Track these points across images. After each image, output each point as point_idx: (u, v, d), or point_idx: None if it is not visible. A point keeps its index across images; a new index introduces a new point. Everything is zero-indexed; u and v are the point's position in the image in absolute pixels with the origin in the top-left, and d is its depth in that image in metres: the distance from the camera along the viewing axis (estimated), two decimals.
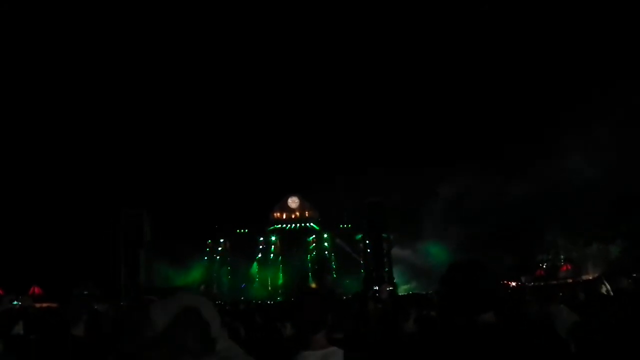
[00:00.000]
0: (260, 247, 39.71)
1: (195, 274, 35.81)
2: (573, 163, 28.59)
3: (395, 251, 36.45)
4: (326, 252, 39.48)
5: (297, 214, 39.93)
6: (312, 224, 39.70)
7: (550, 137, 29.94)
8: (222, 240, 39.29)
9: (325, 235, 39.46)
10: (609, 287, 8.68)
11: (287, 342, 4.73)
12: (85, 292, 23.54)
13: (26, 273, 27.66)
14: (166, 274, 32.98)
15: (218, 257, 39.05)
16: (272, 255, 39.58)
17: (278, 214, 39.97)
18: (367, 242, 36.90)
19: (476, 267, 2.48)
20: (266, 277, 39.17)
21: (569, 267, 31.86)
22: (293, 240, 39.45)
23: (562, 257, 33.73)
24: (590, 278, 23.85)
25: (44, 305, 18.37)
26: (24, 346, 4.21)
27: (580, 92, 28.96)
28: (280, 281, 38.79)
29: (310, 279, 37.40)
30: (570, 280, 25.65)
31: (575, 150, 28.84)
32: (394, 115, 37.18)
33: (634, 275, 15.07)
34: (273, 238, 39.74)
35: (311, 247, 40.10)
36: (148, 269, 34.36)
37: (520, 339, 2.32)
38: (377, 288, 27.75)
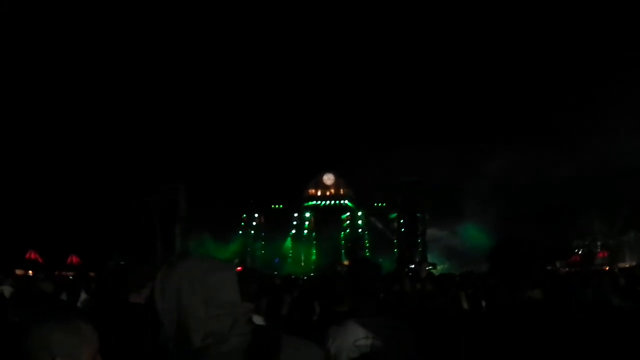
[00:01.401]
0: (295, 223, 39.91)
1: (231, 248, 36.14)
2: (615, 146, 27.93)
3: (430, 231, 36.28)
4: (360, 230, 39.51)
5: (332, 191, 39.95)
6: (346, 201, 39.71)
7: (596, 114, 29.13)
8: (256, 215, 39.54)
9: (360, 213, 39.44)
10: None
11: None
12: (122, 263, 23.93)
13: (65, 244, 28.23)
14: (203, 248, 33.31)
15: (252, 232, 39.33)
16: (305, 231, 39.78)
17: (313, 191, 40.04)
18: (401, 221, 36.76)
19: (526, 244, 2.50)
20: (299, 253, 39.41)
21: (605, 254, 31.41)
22: (327, 217, 39.55)
23: (598, 243, 33.25)
24: (627, 266, 23.50)
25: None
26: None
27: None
28: (314, 257, 39.00)
29: (344, 256, 37.47)
30: (607, 268, 25.29)
31: (619, 132, 28.16)
32: (430, 91, 36.66)
33: None
34: (307, 214, 39.88)
35: (345, 224, 40.17)
36: (183, 243, 34.73)
37: (568, 315, 2.34)
38: (412, 266, 27.75)
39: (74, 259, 27.80)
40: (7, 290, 5.90)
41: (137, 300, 3.97)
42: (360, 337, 2.79)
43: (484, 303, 6.48)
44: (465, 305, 6.05)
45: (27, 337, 1.97)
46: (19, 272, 19.78)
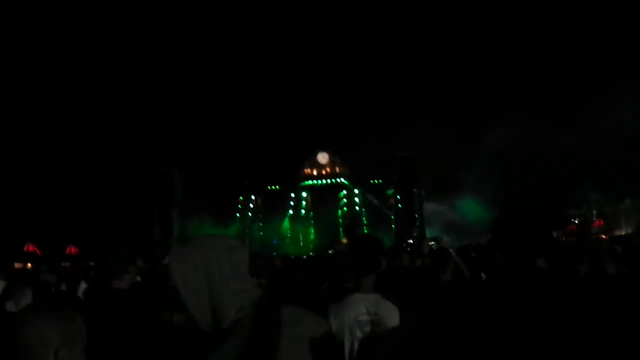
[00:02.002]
0: (291, 203, 39.94)
1: (229, 231, 36.18)
2: (610, 115, 27.91)
3: (429, 206, 36.34)
4: (357, 208, 39.54)
5: (328, 169, 39.91)
6: (342, 179, 39.71)
7: (592, 84, 29.08)
8: (253, 197, 39.56)
9: (356, 191, 39.45)
10: None
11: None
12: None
13: (62, 235, 28.24)
14: (200, 231, 33.34)
15: (250, 214, 39.38)
16: (303, 211, 39.83)
17: (308, 170, 40.00)
18: (398, 197, 36.79)
19: (529, 214, 2.51)
20: (297, 233, 39.51)
21: (602, 223, 31.54)
22: (323, 196, 39.54)
23: (594, 212, 33.38)
24: (623, 234, 23.59)
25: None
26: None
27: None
28: (312, 237, 39.12)
29: (342, 234, 37.56)
30: (603, 236, 25.35)
31: (614, 101, 28.10)
32: (426, 65, 36.51)
33: None
34: (304, 194, 39.90)
35: (342, 202, 40.20)
36: (181, 227, 34.79)
37: (574, 283, 2.36)
38: (410, 242, 27.83)
39: (72, 250, 27.83)
40: (1, 284, 5.88)
41: (120, 285, 3.97)
42: (362, 312, 2.80)
43: (483, 275, 6.50)
44: (467, 275, 6.06)
45: (26, 330, 1.93)
46: (17, 265, 19.82)
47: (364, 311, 2.81)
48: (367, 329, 2.80)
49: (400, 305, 2.90)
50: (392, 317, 2.82)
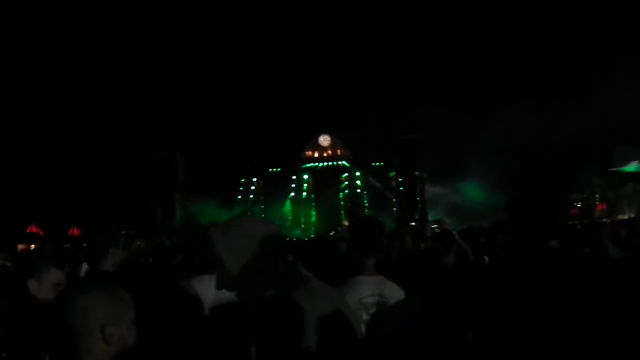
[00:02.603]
0: (293, 185, 39.96)
1: (232, 213, 36.17)
2: (614, 99, 27.79)
3: (432, 189, 36.35)
4: (358, 191, 39.57)
5: (329, 152, 39.90)
6: (344, 162, 39.70)
7: (598, 68, 28.93)
8: (255, 179, 39.57)
9: (358, 174, 39.46)
10: None
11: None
12: (124, 232, 23.97)
13: (65, 216, 28.30)
14: (203, 213, 33.40)
15: (251, 196, 39.41)
16: (304, 193, 39.86)
17: (310, 153, 39.99)
18: (400, 179, 36.80)
19: (540, 197, 2.54)
20: (299, 215, 39.57)
21: (605, 207, 31.53)
22: (325, 179, 39.59)
23: (597, 196, 33.36)
24: (626, 217, 23.59)
25: None
26: None
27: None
28: (313, 219, 39.20)
29: (343, 217, 37.61)
30: (605, 220, 25.34)
31: (618, 84, 27.98)
32: (430, 47, 36.28)
33: None
34: (305, 177, 39.92)
35: (343, 185, 40.22)
36: (183, 210, 34.90)
37: (584, 262, 2.38)
38: (412, 224, 27.85)
39: (75, 231, 27.88)
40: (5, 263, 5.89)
41: (105, 267, 3.94)
42: (365, 295, 2.79)
43: (486, 258, 6.50)
44: (471, 258, 6.06)
45: (71, 307, 1.91)
46: (21, 246, 19.89)
47: (369, 293, 2.80)
48: (372, 311, 2.79)
49: (404, 287, 2.90)
50: (396, 298, 2.82)
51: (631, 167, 27.24)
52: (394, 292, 2.82)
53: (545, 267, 2.38)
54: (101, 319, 1.87)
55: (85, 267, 6.28)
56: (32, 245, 20.76)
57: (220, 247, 1.92)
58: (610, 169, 31.75)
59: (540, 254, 2.44)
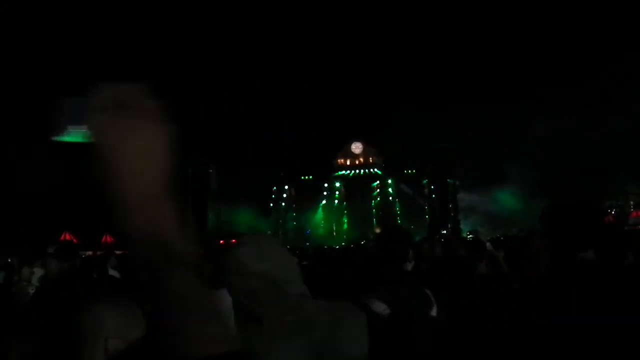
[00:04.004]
0: (325, 193, 39.91)
1: (262, 221, 36.31)
2: None
3: (465, 197, 36.02)
4: (390, 198, 39.37)
5: (361, 159, 39.80)
6: (376, 169, 39.55)
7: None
8: (287, 187, 39.62)
9: (390, 181, 39.26)
10: None
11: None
12: None
13: (99, 223, 28.60)
14: (235, 220, 33.51)
15: (283, 204, 39.46)
16: (336, 201, 39.77)
17: (342, 160, 39.93)
18: (432, 187, 36.54)
19: (582, 205, 2.48)
20: (331, 223, 39.47)
21: (639, 214, 30.99)
22: (357, 186, 39.46)
23: (631, 203, 32.84)
24: None
25: None
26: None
27: None
28: (345, 227, 39.04)
29: (375, 224, 37.41)
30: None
31: None
32: (459, 60, 36.05)
33: None
34: (337, 184, 39.84)
35: (375, 193, 40.05)
36: (216, 217, 35.08)
37: (620, 275, 2.29)
38: (444, 232, 27.61)
39: (108, 239, 28.15)
40: (38, 272, 5.90)
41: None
42: (388, 303, 2.73)
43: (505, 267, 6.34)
44: (504, 269, 5.94)
45: (83, 315, 1.92)
46: None
47: (392, 303, 2.74)
48: (393, 320, 2.73)
49: (427, 297, 2.83)
50: (419, 308, 2.75)
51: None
52: (417, 302, 2.76)
53: (576, 278, 2.31)
54: (108, 331, 1.86)
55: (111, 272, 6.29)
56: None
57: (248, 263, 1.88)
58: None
59: (571, 265, 2.38)
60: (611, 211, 32.31)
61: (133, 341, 1.92)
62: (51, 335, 2.51)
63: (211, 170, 35.70)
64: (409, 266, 3.03)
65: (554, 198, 2.62)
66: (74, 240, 26.26)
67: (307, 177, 39.91)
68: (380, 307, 2.67)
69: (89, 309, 1.89)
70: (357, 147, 39.85)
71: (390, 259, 2.86)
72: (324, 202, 39.95)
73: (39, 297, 4.34)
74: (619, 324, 2.12)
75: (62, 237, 26.93)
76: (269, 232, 34.40)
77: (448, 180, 35.70)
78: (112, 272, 5.75)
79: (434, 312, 2.81)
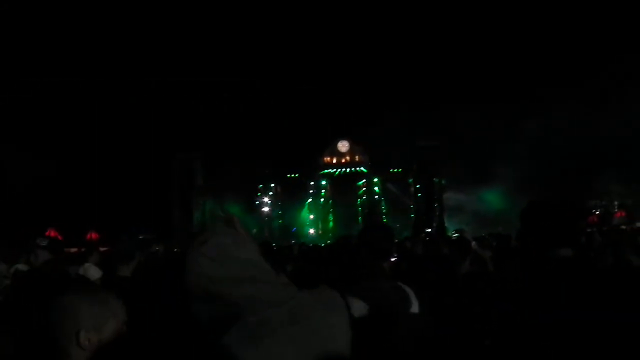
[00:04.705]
0: (311, 191, 39.92)
1: (249, 218, 36.26)
2: (632, 106, 27.48)
3: (452, 196, 36.14)
4: (376, 197, 39.44)
5: (347, 158, 39.81)
6: (362, 168, 39.60)
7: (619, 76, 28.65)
8: (272, 185, 39.58)
9: (376, 180, 39.33)
10: None
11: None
12: (141, 237, 24.07)
13: (84, 220, 28.47)
14: (217, 218, 33.39)
15: (269, 202, 39.43)
16: (322, 199, 39.81)
17: (328, 159, 39.92)
18: (418, 186, 36.63)
19: (559, 202, 2.50)
20: (317, 221, 39.51)
21: (623, 214, 31.21)
22: (343, 185, 39.55)
23: (615, 203, 33.06)
24: None
25: None
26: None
27: None
28: (331, 225, 39.13)
29: (361, 223, 37.46)
30: (624, 227, 25.04)
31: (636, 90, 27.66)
32: (443, 55, 36.13)
33: None
34: (323, 182, 39.86)
35: (361, 191, 40.12)
36: (201, 213, 35.00)
37: (596, 271, 2.33)
38: (429, 231, 27.70)
39: (93, 235, 28.02)
40: (22, 268, 5.88)
41: (125, 272, 3.93)
42: (371, 301, 2.73)
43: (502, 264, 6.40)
44: (490, 267, 5.99)
45: (53, 307, 1.89)
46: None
47: (376, 299, 2.74)
48: (374, 318, 2.73)
49: (408, 294, 2.84)
50: (399, 305, 2.76)
51: None
52: (402, 299, 2.77)
53: (551, 276, 2.34)
54: (78, 322, 1.84)
55: (89, 269, 6.24)
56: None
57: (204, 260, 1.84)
58: None
59: (545, 262, 2.40)
60: (596, 211, 32.57)
61: (110, 331, 1.91)
62: (26, 330, 2.50)
63: (197, 167, 35.61)
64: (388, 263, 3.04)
65: (534, 197, 2.66)
66: (59, 237, 26.12)
67: (293, 175, 39.89)
68: (359, 305, 2.67)
69: (60, 300, 1.88)
70: (343, 146, 39.85)
71: (372, 256, 2.86)
72: (309, 200, 39.94)
73: (13, 292, 4.32)
74: (593, 320, 2.15)
75: (47, 233, 26.75)
76: (254, 230, 34.38)
77: (434, 179, 35.79)
78: (94, 269, 5.73)
79: (414, 310, 2.82)
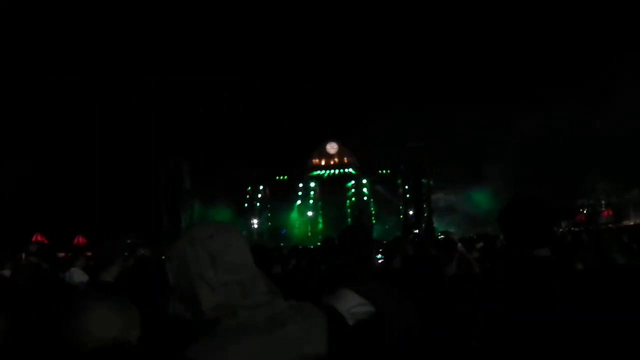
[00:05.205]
0: (300, 193, 39.90)
1: (239, 221, 36.15)
2: (619, 105, 27.62)
3: (443, 197, 36.21)
4: (365, 198, 39.47)
5: (336, 160, 39.83)
6: (350, 169, 39.63)
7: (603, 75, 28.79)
8: (261, 188, 39.54)
9: (365, 181, 39.36)
10: None
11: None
12: (129, 241, 23.90)
13: (70, 223, 28.31)
14: (210, 220, 33.29)
15: (258, 204, 39.37)
16: (311, 201, 39.81)
17: (317, 160, 39.93)
18: (406, 187, 36.66)
19: (534, 203, 2.50)
20: (306, 223, 39.48)
21: (610, 213, 31.39)
22: (332, 186, 39.56)
23: (603, 202, 33.24)
24: (632, 224, 23.52)
25: None
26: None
27: None
28: (320, 227, 39.12)
29: (350, 224, 37.42)
30: (611, 226, 25.18)
31: (623, 91, 27.82)
32: (431, 55, 36.21)
33: None
34: (312, 184, 39.86)
35: (350, 193, 40.16)
36: (189, 217, 34.86)
37: (574, 271, 2.34)
38: (417, 232, 27.75)
39: (80, 240, 27.85)
40: (7, 273, 5.86)
41: (107, 278, 3.90)
42: (354, 304, 2.72)
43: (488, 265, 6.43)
44: (476, 269, 6.00)
45: (89, 314, 1.91)
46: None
47: (357, 303, 2.73)
48: (361, 320, 2.72)
49: (394, 296, 2.83)
50: (386, 308, 2.75)
51: None
52: (384, 301, 2.76)
53: (529, 276, 2.34)
54: (115, 330, 1.91)
55: (75, 274, 6.22)
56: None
57: (166, 262, 1.84)
58: None
59: (524, 262, 2.41)
60: (583, 210, 32.75)
61: (133, 339, 1.96)
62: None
63: (185, 170, 35.46)
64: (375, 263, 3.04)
65: (516, 197, 2.66)
66: (45, 242, 25.96)
67: (282, 178, 39.87)
68: (347, 306, 2.67)
69: (94, 309, 1.93)
70: (332, 147, 39.87)
71: (352, 258, 2.85)
72: (299, 202, 39.92)
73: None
74: (578, 320, 2.15)
75: (34, 239, 26.57)
76: (244, 232, 34.16)
77: (422, 180, 35.81)
78: (80, 273, 5.71)
79: (403, 311, 2.82)
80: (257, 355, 1.66)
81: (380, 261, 6.39)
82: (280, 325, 1.72)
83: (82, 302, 1.98)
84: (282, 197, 39.39)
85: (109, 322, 1.90)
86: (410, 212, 35.49)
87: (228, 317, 1.70)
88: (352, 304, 2.71)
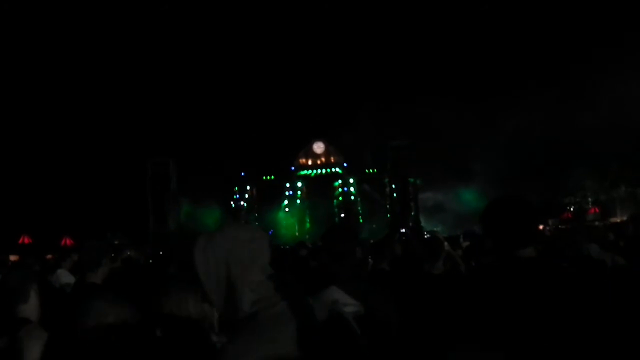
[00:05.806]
0: (287, 193, 39.89)
1: (226, 221, 36.07)
2: (606, 101, 27.75)
3: (430, 195, 36.31)
4: (352, 197, 39.53)
5: (323, 159, 39.83)
6: (337, 169, 39.66)
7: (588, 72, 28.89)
8: (248, 188, 39.51)
9: (351, 180, 39.41)
10: None
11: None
12: (116, 242, 23.86)
13: (57, 224, 28.16)
14: (195, 221, 33.28)
15: (245, 205, 39.33)
16: (298, 201, 39.82)
17: (303, 160, 39.93)
18: (393, 186, 36.74)
19: (516, 202, 2.49)
20: (293, 222, 39.45)
21: (597, 210, 31.55)
22: (319, 186, 39.56)
23: (589, 199, 33.42)
24: (619, 221, 23.64)
25: None
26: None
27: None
28: (307, 226, 39.11)
29: (337, 224, 37.41)
30: (598, 223, 25.37)
31: (611, 87, 27.93)
32: (416, 54, 36.26)
33: None
34: (299, 184, 39.85)
35: (337, 192, 40.17)
36: (176, 217, 34.78)
37: (559, 271, 2.33)
38: (403, 231, 27.79)
39: (67, 241, 27.73)
40: None
41: (94, 279, 3.90)
42: (339, 304, 2.73)
43: (473, 264, 6.45)
44: (462, 267, 6.01)
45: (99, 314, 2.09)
46: (13, 257, 19.67)
47: (341, 302, 2.74)
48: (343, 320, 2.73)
49: (378, 295, 2.85)
50: (370, 307, 2.76)
51: None
52: (368, 301, 2.77)
53: (513, 275, 2.34)
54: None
55: (62, 275, 6.19)
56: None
57: (199, 259, 1.93)
58: None
59: (507, 261, 2.40)
60: (570, 208, 32.92)
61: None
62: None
63: (171, 170, 35.35)
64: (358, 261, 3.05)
65: (502, 194, 2.65)
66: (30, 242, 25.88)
67: (268, 177, 39.86)
68: (335, 305, 2.68)
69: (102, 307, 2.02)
70: (318, 147, 39.88)
71: (336, 258, 2.86)
72: (286, 202, 39.92)
73: None
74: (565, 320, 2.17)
75: (20, 241, 26.45)
76: None
77: (409, 179, 35.91)
78: (67, 274, 5.69)
79: (387, 310, 2.83)
80: (294, 340, 1.80)
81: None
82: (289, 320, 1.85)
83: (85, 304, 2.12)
84: (269, 197, 39.36)
85: (120, 318, 2.08)
86: (398, 211, 35.61)
87: (268, 308, 1.83)
88: (340, 303, 2.72)
